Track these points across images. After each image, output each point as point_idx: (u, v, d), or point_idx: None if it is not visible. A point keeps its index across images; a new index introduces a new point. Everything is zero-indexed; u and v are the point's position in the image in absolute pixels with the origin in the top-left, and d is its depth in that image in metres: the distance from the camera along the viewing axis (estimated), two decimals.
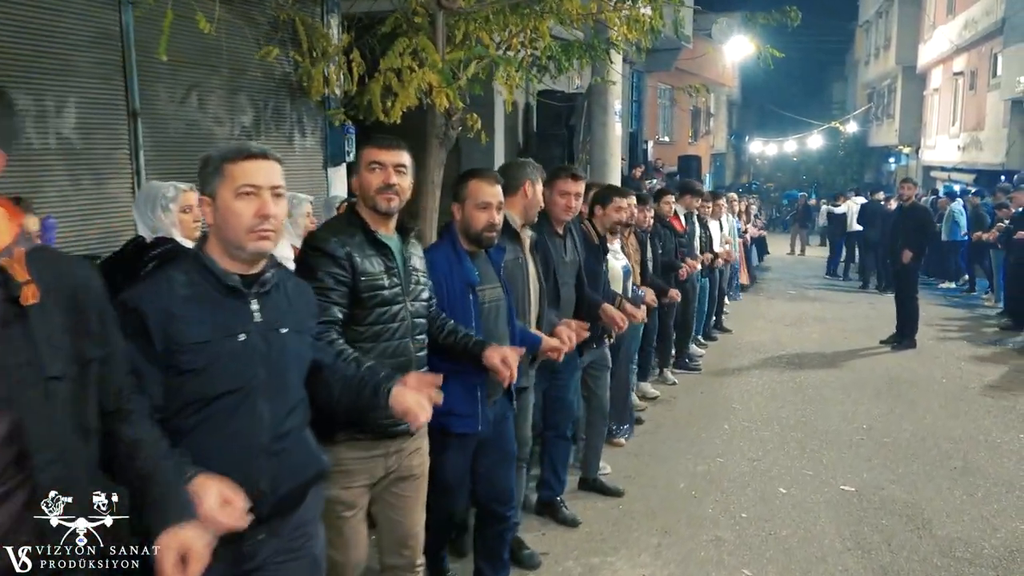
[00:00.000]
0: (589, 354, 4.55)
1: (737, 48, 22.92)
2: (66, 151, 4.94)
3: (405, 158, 2.73)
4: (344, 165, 7.85)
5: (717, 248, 9.35)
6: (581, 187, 4.10)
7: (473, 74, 6.48)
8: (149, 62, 5.47)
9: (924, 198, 17.73)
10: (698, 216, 8.62)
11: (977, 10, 20.12)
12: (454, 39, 6.35)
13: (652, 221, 6.55)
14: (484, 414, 3.18)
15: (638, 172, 16.25)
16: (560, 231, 4.11)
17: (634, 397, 6.36)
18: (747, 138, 40.17)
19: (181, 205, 3.43)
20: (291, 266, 3.84)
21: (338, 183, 7.80)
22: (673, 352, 8.00)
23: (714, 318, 10.12)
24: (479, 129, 6.96)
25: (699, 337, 9.28)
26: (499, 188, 3.18)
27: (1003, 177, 16.22)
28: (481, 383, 3.12)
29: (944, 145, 23.75)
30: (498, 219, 3.15)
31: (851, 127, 34.50)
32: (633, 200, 5.52)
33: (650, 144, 20.85)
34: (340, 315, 2.56)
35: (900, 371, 8.24)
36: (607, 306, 4.31)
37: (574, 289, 4.19)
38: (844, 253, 17.37)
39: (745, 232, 13.74)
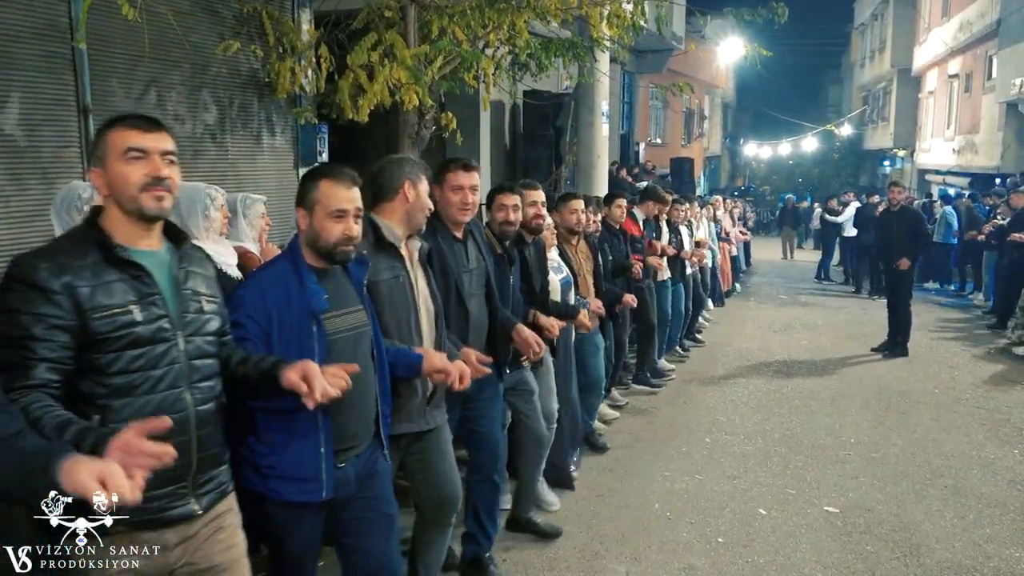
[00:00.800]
0: (508, 378, 3.85)
1: (730, 49, 22.80)
2: (8, 149, 4.66)
3: (171, 143, 2.08)
4: (317, 166, 7.58)
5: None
6: (476, 179, 3.47)
7: (445, 71, 6.23)
8: (102, 56, 5.20)
9: (918, 201, 17.56)
10: (668, 221, 8.28)
11: (972, 12, 19.91)
12: (430, 35, 6.10)
13: (599, 225, 6.18)
14: (330, 475, 2.49)
15: (624, 172, 16.03)
16: (459, 235, 3.48)
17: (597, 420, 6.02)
18: (741, 141, 40.03)
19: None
20: (234, 272, 3.60)
21: None
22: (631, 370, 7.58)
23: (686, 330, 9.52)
24: (454, 129, 6.68)
25: (677, 348, 8.94)
26: (356, 192, 2.55)
27: (998, 181, 16.03)
28: (327, 434, 2.46)
29: (939, 148, 23.56)
30: (355, 230, 2.54)
31: (846, 130, 34.43)
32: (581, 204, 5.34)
33: (642, 146, 20.62)
34: (51, 376, 1.87)
35: (891, 380, 7.98)
36: (520, 327, 3.62)
37: (486, 302, 3.55)
38: (837, 257, 17.17)
39: (726, 235, 13.23)
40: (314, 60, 6.41)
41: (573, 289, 4.96)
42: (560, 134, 11.87)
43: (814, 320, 11.75)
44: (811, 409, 6.90)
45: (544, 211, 4.36)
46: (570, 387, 4.94)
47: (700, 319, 10.43)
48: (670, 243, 8.07)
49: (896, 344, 9.19)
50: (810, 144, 35.37)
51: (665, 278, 7.90)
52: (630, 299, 6.01)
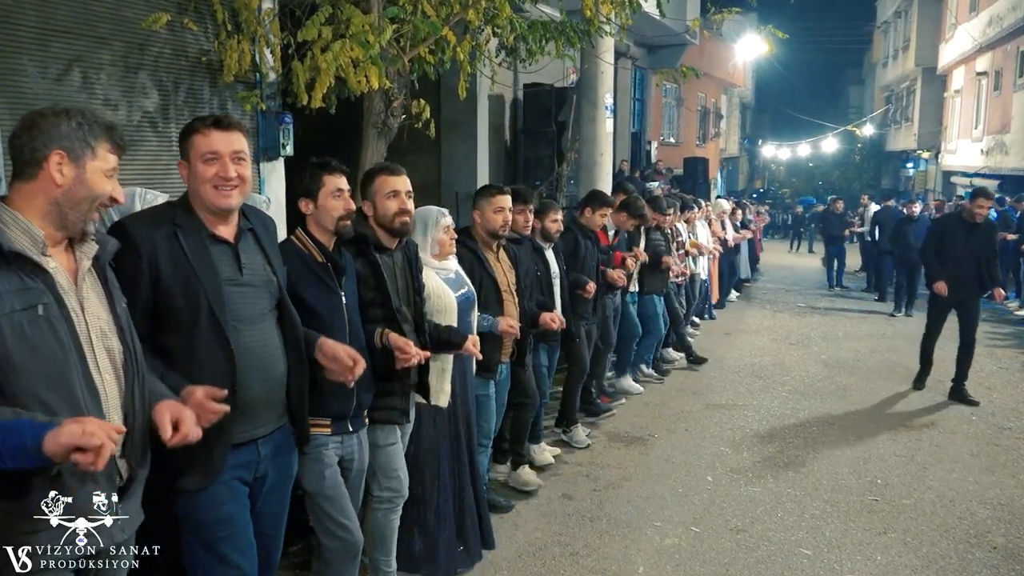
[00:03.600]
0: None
1: (748, 47, 21.94)
2: None
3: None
4: (281, 160, 6.83)
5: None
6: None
7: (414, 51, 5.48)
8: (7, 30, 4.47)
9: (948, 204, 16.67)
10: (655, 226, 7.46)
11: (1003, 5, 18.93)
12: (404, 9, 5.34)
13: (560, 226, 5.26)
14: None
15: (625, 165, 15.28)
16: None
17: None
18: (760, 142, 39.23)
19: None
20: None
21: (273, 181, 6.77)
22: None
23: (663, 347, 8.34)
24: (428, 118, 5.90)
25: (646, 367, 7.81)
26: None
27: None
28: None
29: (966, 149, 22.63)
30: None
31: (868, 131, 33.53)
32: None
33: (654, 145, 19.79)
34: None
35: (921, 404, 7.10)
36: (323, 342, 2.69)
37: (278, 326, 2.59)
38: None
39: (719, 239, 11.09)
40: (270, 39, 5.68)
41: (475, 307, 3.90)
42: (563, 130, 11.17)
43: (834, 331, 10.86)
44: (831, 439, 6.04)
45: (411, 205, 3.26)
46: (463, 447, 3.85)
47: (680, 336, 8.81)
48: (647, 249, 7.08)
49: (962, 386, 7.30)
50: (830, 146, 34.57)
51: (632, 290, 6.98)
52: (548, 319, 4.56)
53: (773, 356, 9.11)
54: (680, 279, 8.44)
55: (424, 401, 3.38)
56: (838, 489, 5.03)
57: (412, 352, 2.89)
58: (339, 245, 2.97)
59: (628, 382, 7.23)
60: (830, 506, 4.75)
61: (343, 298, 2.88)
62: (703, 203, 10.53)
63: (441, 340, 3.36)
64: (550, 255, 5.23)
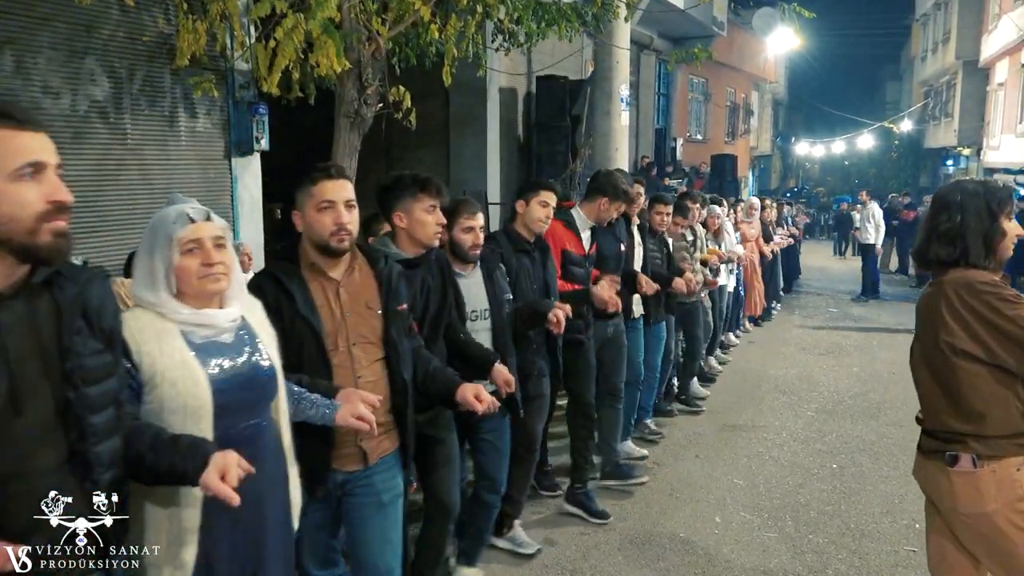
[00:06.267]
0: None
1: (779, 40, 21.10)
2: None
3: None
4: (256, 155, 6.27)
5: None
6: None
7: (395, 30, 4.90)
8: None
9: None
10: (647, 226, 5.59)
11: None
12: None
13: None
14: None
15: (645, 160, 14.58)
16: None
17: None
18: (793, 140, 38.30)
19: None
20: None
21: (248, 178, 6.21)
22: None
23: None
24: (409, 107, 5.29)
25: (648, 422, 5.94)
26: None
27: None
28: None
29: (1010, 145, 21.67)
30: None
31: (905, 127, 32.48)
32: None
33: (679, 142, 19.02)
34: None
35: None
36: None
37: None
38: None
39: (743, 245, 9.28)
40: (240, 21, 5.13)
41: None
42: (577, 124, 10.57)
43: (868, 340, 10.09)
44: (862, 470, 5.31)
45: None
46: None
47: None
48: (647, 266, 5.34)
49: None
50: (866, 143, 33.51)
51: (637, 315, 5.26)
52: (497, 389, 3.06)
53: (800, 368, 8.38)
54: (695, 297, 6.47)
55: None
56: (868, 535, 4.31)
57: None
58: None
59: (629, 446, 5.41)
60: (858, 558, 4.04)
61: None
62: (722, 202, 8.89)
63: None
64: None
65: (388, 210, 3.05)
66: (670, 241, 6.11)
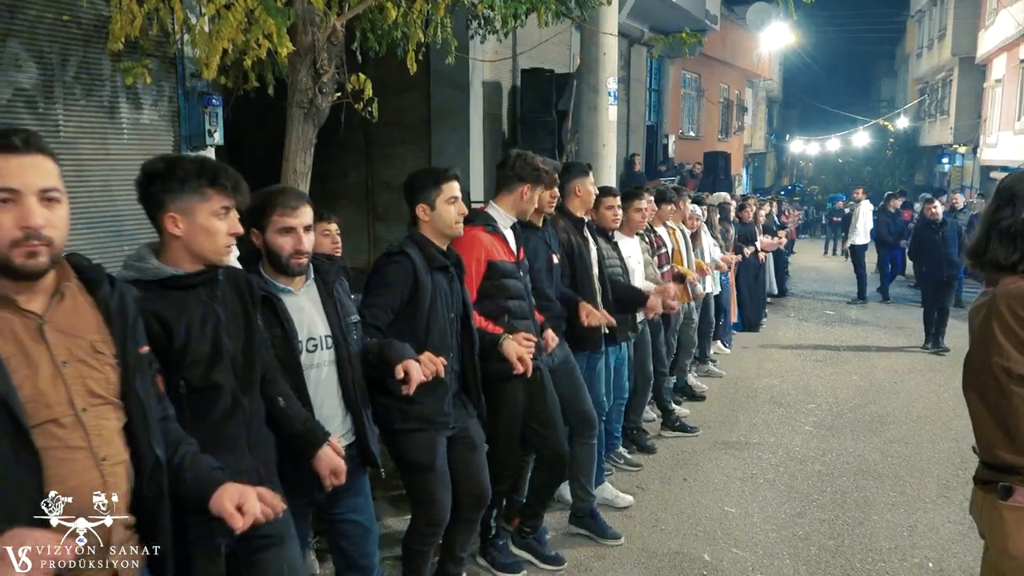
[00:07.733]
0: None
1: (773, 36, 20.69)
2: None
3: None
4: (211, 150, 5.78)
5: (639, 282, 4.97)
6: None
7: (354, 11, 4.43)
8: None
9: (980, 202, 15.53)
10: (599, 229, 4.62)
11: None
12: None
13: None
14: None
15: (638, 160, 14.15)
16: None
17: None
18: (787, 137, 37.95)
19: None
20: None
21: None
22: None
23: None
24: (371, 96, 4.81)
25: (621, 450, 5.29)
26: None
27: None
28: None
29: (1007, 142, 21.28)
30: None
31: (901, 124, 32.19)
32: None
33: (672, 139, 18.56)
34: None
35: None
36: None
37: None
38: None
39: (733, 250, 8.84)
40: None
41: None
42: (563, 118, 10.13)
43: (867, 343, 9.65)
44: (866, 496, 4.84)
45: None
46: None
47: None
48: (607, 269, 4.53)
49: None
50: (861, 140, 33.15)
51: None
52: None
53: (797, 376, 7.92)
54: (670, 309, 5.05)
55: None
56: (875, 572, 3.85)
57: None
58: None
59: (611, 491, 4.66)
60: None
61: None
62: (702, 201, 8.05)
63: None
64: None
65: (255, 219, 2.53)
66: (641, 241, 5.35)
